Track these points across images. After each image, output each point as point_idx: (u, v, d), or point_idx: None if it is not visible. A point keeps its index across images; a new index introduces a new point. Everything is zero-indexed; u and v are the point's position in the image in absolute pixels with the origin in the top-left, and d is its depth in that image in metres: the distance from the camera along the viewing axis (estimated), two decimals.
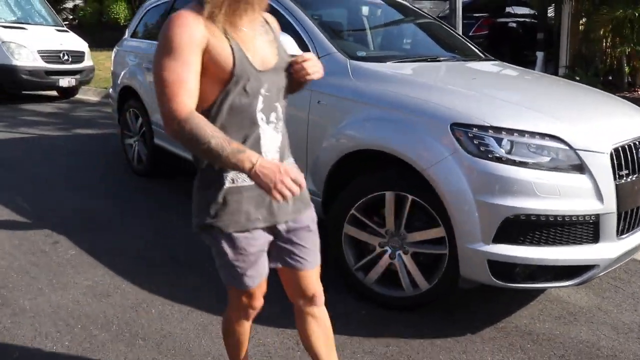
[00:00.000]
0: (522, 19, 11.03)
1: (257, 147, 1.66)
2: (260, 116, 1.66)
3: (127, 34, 5.65)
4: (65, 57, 10.07)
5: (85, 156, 6.05)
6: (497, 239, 2.47)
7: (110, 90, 5.90)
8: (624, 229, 2.66)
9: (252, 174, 1.51)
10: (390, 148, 2.72)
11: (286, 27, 3.52)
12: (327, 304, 1.96)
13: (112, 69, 5.81)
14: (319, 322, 1.94)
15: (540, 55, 8.82)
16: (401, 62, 3.45)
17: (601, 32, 7.42)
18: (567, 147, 2.49)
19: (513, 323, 2.82)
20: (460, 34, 5.36)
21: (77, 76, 10.27)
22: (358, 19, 4.25)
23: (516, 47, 10.15)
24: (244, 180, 1.65)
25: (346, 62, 3.14)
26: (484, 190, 2.46)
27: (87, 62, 10.59)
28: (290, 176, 1.51)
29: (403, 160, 2.67)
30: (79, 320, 2.75)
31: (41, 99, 10.29)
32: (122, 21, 16.90)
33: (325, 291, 1.94)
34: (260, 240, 1.74)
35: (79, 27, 13.42)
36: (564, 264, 2.52)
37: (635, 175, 2.65)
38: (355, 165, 2.97)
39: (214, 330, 2.67)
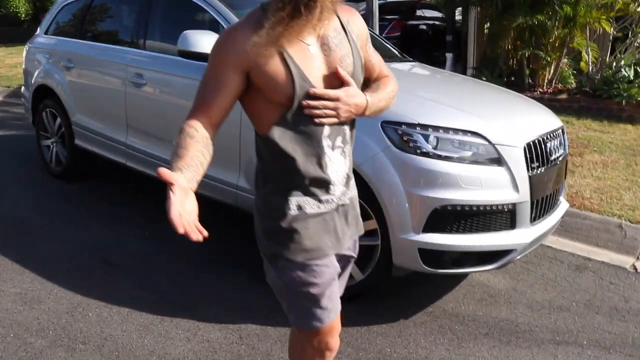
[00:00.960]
0: (432, 22, 11.57)
1: (322, 174, 1.53)
2: (326, 143, 1.51)
3: (39, 31, 5.40)
4: None
5: None
6: (427, 229, 2.66)
7: (22, 89, 5.62)
8: (536, 216, 2.94)
9: (167, 190, 1.28)
10: None
11: (214, 25, 3.57)
12: (268, 307, 2.01)
13: (24, 67, 5.53)
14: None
15: (449, 56, 9.30)
16: None
17: (504, 37, 7.97)
18: (486, 142, 2.73)
19: (441, 307, 3.04)
20: (378, 34, 5.59)
21: None
22: None
23: (426, 48, 10.65)
24: (311, 207, 1.54)
25: None
26: (413, 184, 2.64)
27: None
28: (188, 218, 1.32)
29: None
30: (10, 329, 2.67)
31: None
32: (23, 16, 16.01)
33: (264, 284, 1.91)
34: (330, 269, 1.59)
35: None
36: (486, 249, 2.76)
37: (544, 167, 2.94)
38: None
39: (155, 330, 2.68)
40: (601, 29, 7.74)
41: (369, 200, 2.76)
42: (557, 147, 3.12)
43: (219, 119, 1.49)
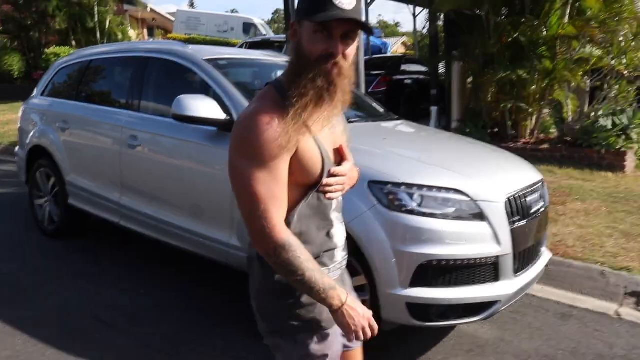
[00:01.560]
0: (417, 76, 11.96)
1: (331, 244, 1.59)
2: (334, 215, 1.59)
3: (35, 92, 5.56)
4: None
5: None
6: (414, 284, 2.75)
7: (17, 148, 5.73)
8: (519, 267, 3.05)
9: (338, 312, 1.43)
10: None
11: (207, 90, 3.73)
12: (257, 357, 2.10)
13: (19, 126, 5.66)
14: None
15: (434, 109, 9.58)
16: None
17: (487, 90, 8.27)
18: (468, 199, 2.85)
19: (430, 359, 3.09)
20: (364, 93, 5.80)
21: None
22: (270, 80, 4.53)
23: (412, 102, 10.99)
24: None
25: None
26: (399, 240, 2.75)
27: None
28: (370, 323, 1.48)
29: None
30: None
31: None
32: (16, 73, 16.30)
33: (253, 338, 1.99)
34: (339, 339, 1.63)
35: None
36: (471, 301, 2.84)
37: (525, 220, 3.06)
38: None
39: None
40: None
41: (357, 256, 2.85)
42: (537, 200, 3.25)
43: (286, 206, 1.45)
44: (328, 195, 1.51)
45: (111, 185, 4.25)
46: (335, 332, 1.58)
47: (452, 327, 3.45)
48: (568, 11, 7.70)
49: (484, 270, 2.86)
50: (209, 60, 3.86)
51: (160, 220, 3.81)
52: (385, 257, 2.76)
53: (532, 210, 3.15)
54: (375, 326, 1.49)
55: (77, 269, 4.35)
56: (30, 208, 5.38)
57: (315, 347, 1.55)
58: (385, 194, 2.81)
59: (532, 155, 7.82)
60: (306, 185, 1.48)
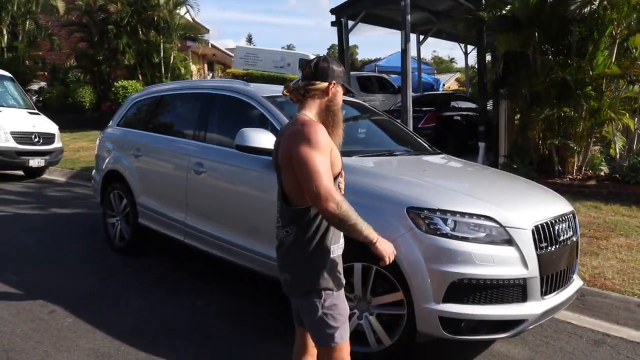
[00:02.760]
0: (466, 113, 12.22)
1: None
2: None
3: (112, 123, 6.19)
4: (37, 139, 10.50)
5: (64, 234, 6.40)
6: (446, 299, 3.05)
7: (93, 172, 6.35)
8: (547, 290, 3.29)
9: (376, 244, 2.17)
10: None
11: (263, 122, 4.18)
12: None
13: (96, 153, 6.29)
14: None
15: (482, 145, 9.80)
16: (364, 156, 4.12)
17: (534, 127, 8.47)
18: (498, 225, 3.14)
19: None
20: (411, 129, 6.15)
21: (47, 157, 10.67)
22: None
23: (460, 138, 11.23)
24: (337, 250, 2.31)
25: None
26: (434, 260, 3.06)
27: (57, 144, 11.01)
28: (393, 250, 2.25)
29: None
30: None
31: (6, 178, 10.57)
32: (87, 104, 17.49)
33: None
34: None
35: (43, 108, 13.85)
36: (500, 319, 3.11)
37: (553, 247, 3.32)
38: None
39: None
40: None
41: (396, 274, 3.18)
42: (565, 229, 3.50)
43: None
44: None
45: (178, 207, 4.74)
46: (342, 292, 2.33)
47: (486, 346, 3.69)
48: (615, 50, 7.86)
49: (512, 290, 3.13)
50: (268, 98, 4.33)
51: (220, 238, 4.24)
52: (421, 275, 3.07)
53: (561, 239, 3.40)
54: (393, 257, 2.26)
55: (144, 281, 4.83)
56: (103, 226, 5.95)
57: (334, 300, 2.26)
58: (422, 218, 3.14)
59: (579, 191, 7.93)
60: (335, 175, 2.23)
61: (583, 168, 8.53)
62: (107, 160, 5.86)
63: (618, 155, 8.16)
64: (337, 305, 2.26)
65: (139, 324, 3.88)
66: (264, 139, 3.69)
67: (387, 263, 2.21)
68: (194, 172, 4.52)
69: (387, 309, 3.30)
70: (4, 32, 17.86)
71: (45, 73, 20.77)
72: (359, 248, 3.34)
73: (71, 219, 7.32)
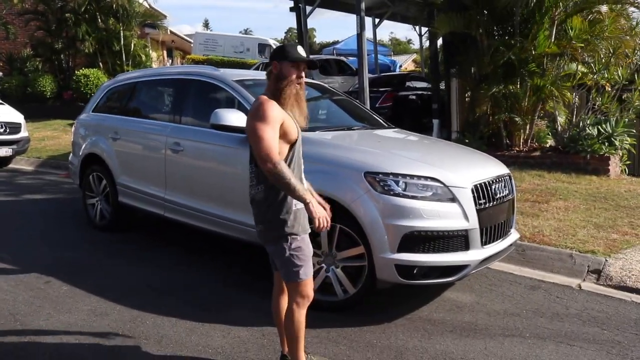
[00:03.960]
0: (421, 92, 12.81)
1: (304, 182, 2.83)
2: (301, 162, 2.85)
3: (86, 109, 6.49)
4: (3, 129, 10.60)
5: (44, 217, 6.70)
6: (400, 249, 3.57)
7: (70, 157, 6.65)
8: (486, 240, 3.86)
9: (308, 204, 2.54)
10: (323, 191, 3.74)
11: (232, 103, 4.61)
12: None
13: (72, 139, 6.58)
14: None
15: (436, 122, 10.42)
16: (325, 131, 4.61)
17: (482, 104, 9.09)
18: (442, 185, 3.68)
19: (417, 314, 3.90)
20: (368, 107, 6.66)
21: (14, 146, 10.79)
22: None
23: (416, 116, 11.83)
24: (299, 206, 2.71)
25: None
26: (389, 216, 3.58)
27: (24, 133, 11.13)
28: (326, 218, 2.61)
29: (332, 200, 3.74)
30: (90, 331, 3.54)
31: None
32: (48, 94, 17.39)
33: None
34: (309, 242, 2.82)
35: (3, 98, 13.77)
36: (447, 264, 3.66)
37: (490, 203, 3.88)
38: None
39: (198, 330, 3.55)
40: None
41: (357, 230, 3.69)
42: (501, 188, 4.07)
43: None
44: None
45: (157, 184, 5.13)
46: (307, 237, 2.80)
47: (437, 294, 4.26)
48: (554, 31, 8.52)
49: (456, 240, 3.68)
50: (237, 81, 4.76)
51: (198, 209, 4.68)
52: (378, 229, 3.58)
53: (497, 196, 3.97)
54: (329, 222, 2.63)
55: (127, 253, 5.23)
56: (83, 207, 6.29)
57: (299, 243, 2.75)
58: (377, 181, 3.65)
59: (525, 162, 8.61)
60: (291, 142, 2.74)
61: (529, 141, 9.21)
62: (84, 145, 6.18)
63: (559, 128, 8.85)
64: (302, 248, 2.75)
65: (128, 288, 4.30)
66: (235, 118, 4.11)
67: (319, 226, 2.56)
68: (171, 151, 4.92)
69: (351, 261, 3.81)
70: None
71: (1, 63, 20.45)
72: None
73: (48, 204, 7.61)
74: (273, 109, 2.63)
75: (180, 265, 4.89)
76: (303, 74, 2.80)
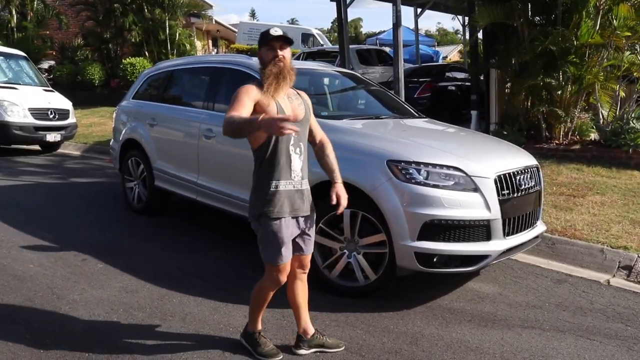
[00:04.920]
0: (460, 83, 12.67)
1: (289, 168, 2.84)
2: (292, 149, 2.85)
3: (127, 96, 6.73)
4: (53, 115, 11.05)
5: (86, 199, 7.01)
6: (420, 237, 3.61)
7: (112, 142, 6.91)
8: (509, 231, 3.85)
9: (262, 123, 2.38)
10: (347, 178, 3.84)
11: None
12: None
13: (113, 125, 6.84)
14: (304, 284, 3.11)
15: (474, 113, 10.28)
16: (353, 119, 4.66)
17: (522, 96, 8.92)
18: (464, 174, 3.69)
19: (437, 302, 3.94)
20: (402, 97, 6.67)
21: (63, 132, 11.23)
22: (320, 86, 5.51)
23: (454, 106, 11.71)
24: (283, 186, 2.83)
25: None
26: (410, 204, 3.62)
27: (72, 120, 11.58)
28: (282, 117, 2.37)
29: (355, 187, 3.81)
30: (120, 306, 3.73)
31: (25, 152, 11.18)
32: (97, 82, 17.99)
33: None
34: (289, 229, 2.86)
35: (54, 86, 14.29)
36: (467, 254, 3.68)
37: (514, 194, 3.86)
38: (322, 192, 4.09)
39: (222, 310, 3.69)
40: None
41: (379, 217, 3.74)
42: (527, 180, 4.04)
43: None
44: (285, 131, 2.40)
45: (190, 169, 5.30)
46: (285, 222, 2.84)
47: (460, 284, 4.27)
48: (599, 21, 8.27)
49: (477, 230, 3.69)
50: None
51: (229, 194, 4.81)
52: (399, 216, 3.63)
53: (522, 187, 3.95)
54: (288, 123, 2.33)
55: (161, 236, 5.43)
56: (122, 190, 6.55)
57: (272, 227, 2.83)
58: (399, 169, 3.69)
59: (564, 155, 8.42)
60: None
61: (570, 134, 8.98)
62: (124, 131, 6.42)
63: (602, 121, 8.61)
64: (273, 231, 2.82)
65: (158, 269, 4.48)
66: None
67: (280, 129, 2.30)
68: (204, 137, 5.07)
69: (372, 248, 3.87)
70: (14, 12, 18.29)
71: (54, 52, 21.24)
72: (348, 197, 3.90)
73: (91, 187, 7.94)
74: (246, 92, 2.76)
75: (212, 250, 5.04)
76: (280, 52, 2.83)
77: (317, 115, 4.39)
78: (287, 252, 2.88)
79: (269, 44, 2.84)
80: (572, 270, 4.72)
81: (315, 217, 3.08)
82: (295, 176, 2.88)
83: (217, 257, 4.82)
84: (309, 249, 3.05)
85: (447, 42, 51.45)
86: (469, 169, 3.72)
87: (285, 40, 2.87)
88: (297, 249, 2.98)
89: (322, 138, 3.17)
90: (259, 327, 3.18)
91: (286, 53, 2.86)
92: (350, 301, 3.88)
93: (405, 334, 3.44)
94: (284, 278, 2.95)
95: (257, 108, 2.76)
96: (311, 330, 3.19)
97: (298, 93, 3.04)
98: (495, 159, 4.05)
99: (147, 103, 6.24)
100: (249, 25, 30.77)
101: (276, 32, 2.85)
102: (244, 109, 2.67)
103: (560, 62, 8.32)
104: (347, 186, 3.83)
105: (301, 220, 2.94)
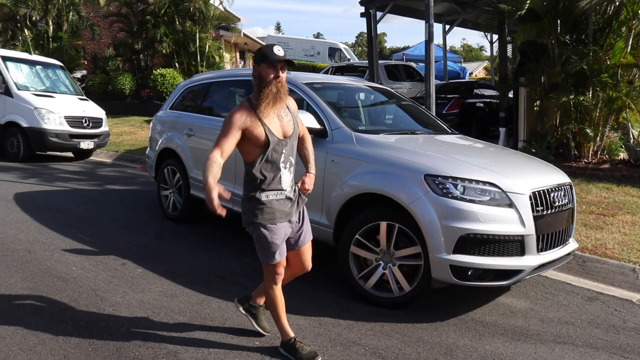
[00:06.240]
0: (488, 100, 12.70)
1: (279, 181, 3.04)
2: (282, 165, 3.06)
3: (165, 107, 6.92)
4: (87, 123, 11.36)
5: (121, 205, 7.20)
6: (456, 251, 3.68)
7: (147, 151, 7.11)
8: (543, 247, 3.90)
9: (205, 192, 2.75)
10: (384, 191, 3.96)
11: (300, 104, 4.83)
12: (339, 306, 3.16)
13: (150, 134, 7.04)
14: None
15: (502, 130, 10.30)
16: (389, 134, 4.77)
17: (550, 114, 8.95)
18: (500, 190, 3.76)
19: (470, 316, 4.00)
20: (433, 113, 6.75)
21: (96, 140, 11.54)
22: (355, 101, 5.63)
23: (483, 123, 11.75)
24: (274, 196, 3.04)
25: (352, 134, 4.44)
26: (446, 218, 3.70)
27: (104, 128, 11.88)
28: (213, 204, 2.71)
29: (392, 200, 3.91)
30: (161, 310, 3.86)
31: (59, 159, 11.49)
32: (127, 91, 18.40)
33: (338, 295, 3.20)
34: (282, 231, 3.09)
35: (86, 95, 14.69)
36: (501, 268, 3.73)
37: (548, 211, 3.92)
38: (358, 205, 4.20)
39: (264, 317, 3.78)
40: None
41: (415, 230, 3.83)
42: (561, 197, 4.09)
43: (228, 154, 2.91)
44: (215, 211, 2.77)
45: (226, 178, 5.42)
46: (278, 227, 3.05)
47: (492, 298, 4.32)
48: (630, 41, 8.29)
49: (511, 245, 3.75)
50: (307, 84, 4.99)
51: None
52: (435, 229, 3.71)
53: (556, 204, 4.00)
54: (220, 209, 2.74)
55: (195, 243, 5.57)
56: (157, 198, 6.72)
57: (265, 232, 3.04)
58: (436, 184, 3.77)
59: (593, 174, 8.41)
60: (261, 145, 2.97)
61: (599, 153, 8.97)
62: (160, 140, 6.60)
63: (632, 141, 8.59)
64: (266, 236, 3.03)
65: (195, 275, 4.61)
66: (305, 119, 4.32)
67: (212, 207, 2.72)
68: None
69: (407, 260, 3.95)
70: (50, 23, 18.83)
71: (86, 62, 21.78)
72: (384, 209, 4.01)
73: (125, 194, 8.14)
74: (237, 117, 2.90)
75: (243, 256, 5.17)
76: (281, 73, 2.96)
77: (356, 130, 4.54)
78: (281, 251, 3.12)
79: (272, 63, 2.95)
80: (603, 288, 4.74)
81: (304, 209, 3.33)
82: (285, 187, 3.09)
83: (250, 264, 4.93)
84: (304, 240, 3.30)
85: (471, 59, 51.42)
86: (505, 185, 3.79)
87: (287, 63, 3.01)
88: (293, 244, 3.25)
89: (304, 134, 3.37)
90: (291, 334, 3.30)
91: (284, 75, 3.01)
92: (385, 311, 3.96)
93: (440, 345, 3.51)
94: (281, 271, 3.18)
95: (246, 133, 2.93)
96: (261, 302, 3.55)
97: (287, 106, 3.15)
98: (530, 175, 4.12)
99: (185, 114, 6.41)
100: (276, 38, 31.22)
101: (279, 51, 2.96)
102: (227, 144, 2.87)
103: (592, 82, 8.34)
104: (385, 199, 3.97)
105: (293, 218, 3.18)
